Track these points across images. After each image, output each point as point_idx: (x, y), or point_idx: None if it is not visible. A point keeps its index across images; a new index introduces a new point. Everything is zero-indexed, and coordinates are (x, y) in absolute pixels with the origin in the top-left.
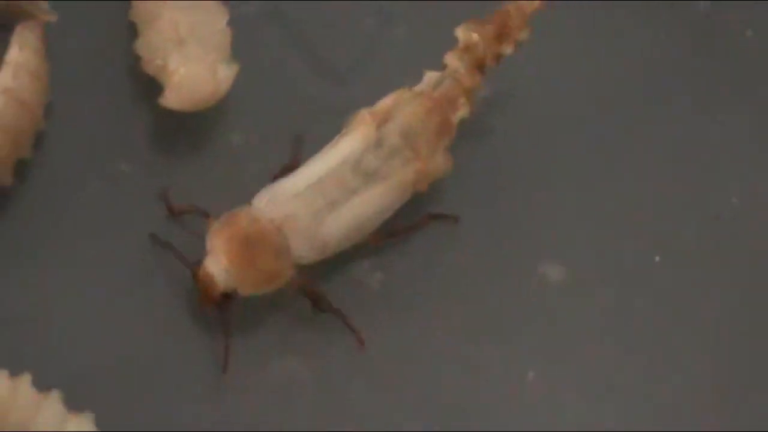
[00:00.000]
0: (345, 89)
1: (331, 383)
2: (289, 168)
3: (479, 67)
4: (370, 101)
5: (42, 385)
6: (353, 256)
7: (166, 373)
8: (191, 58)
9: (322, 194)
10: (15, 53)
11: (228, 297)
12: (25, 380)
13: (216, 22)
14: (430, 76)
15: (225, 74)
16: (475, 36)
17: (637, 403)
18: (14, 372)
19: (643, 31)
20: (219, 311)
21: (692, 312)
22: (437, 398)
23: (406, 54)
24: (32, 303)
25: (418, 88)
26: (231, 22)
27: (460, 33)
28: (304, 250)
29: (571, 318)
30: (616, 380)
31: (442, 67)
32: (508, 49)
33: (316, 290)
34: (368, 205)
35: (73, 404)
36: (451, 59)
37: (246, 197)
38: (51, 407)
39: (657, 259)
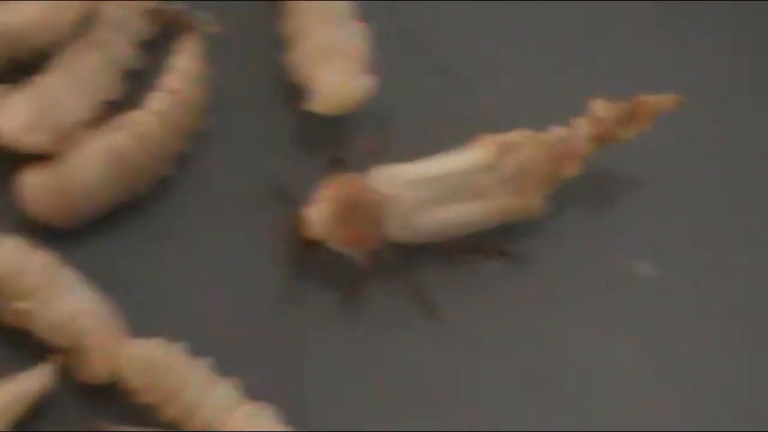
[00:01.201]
0: (470, 102)
1: (444, 366)
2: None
3: (600, 139)
4: (494, 116)
5: (194, 352)
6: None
7: (301, 346)
8: (335, 69)
9: (431, 189)
10: (179, 60)
11: (316, 244)
12: (180, 347)
13: (357, 38)
14: (557, 131)
15: (364, 83)
16: (606, 113)
17: (730, 396)
18: (170, 340)
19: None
20: (302, 255)
21: None
22: (535, 382)
23: (523, 75)
24: (185, 279)
25: (544, 135)
26: (371, 38)
27: (595, 106)
28: (395, 229)
29: (662, 313)
30: (705, 372)
31: (570, 126)
32: (628, 135)
33: (399, 267)
34: (464, 214)
35: (221, 370)
36: (580, 124)
37: None
38: (201, 372)
39: (746, 259)
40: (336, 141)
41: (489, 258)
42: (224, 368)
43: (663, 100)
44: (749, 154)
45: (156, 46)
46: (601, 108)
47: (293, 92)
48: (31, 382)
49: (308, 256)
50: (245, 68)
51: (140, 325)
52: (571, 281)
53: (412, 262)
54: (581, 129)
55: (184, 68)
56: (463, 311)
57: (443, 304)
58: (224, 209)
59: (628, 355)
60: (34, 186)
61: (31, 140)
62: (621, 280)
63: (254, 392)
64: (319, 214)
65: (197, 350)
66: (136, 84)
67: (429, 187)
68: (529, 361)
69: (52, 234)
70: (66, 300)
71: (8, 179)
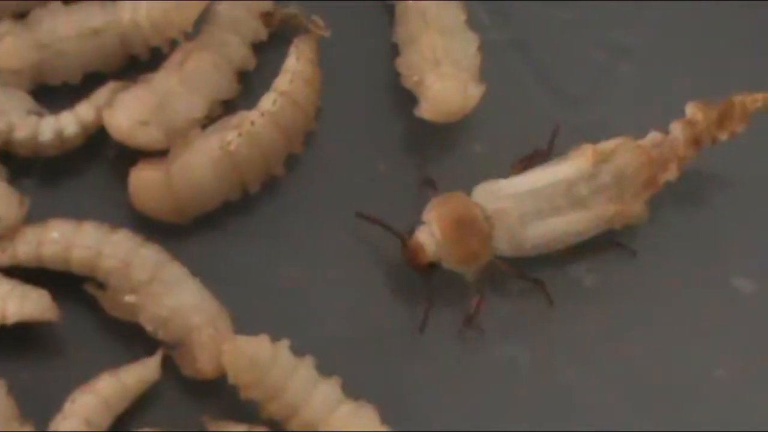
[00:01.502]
0: (575, 112)
1: (549, 369)
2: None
3: (696, 142)
4: (596, 125)
5: (298, 350)
6: (573, 257)
7: (402, 347)
8: (445, 77)
9: (533, 202)
10: (292, 62)
11: (433, 267)
12: (284, 345)
13: (468, 47)
14: (654, 136)
15: (473, 92)
16: (700, 115)
17: None
18: (275, 337)
19: None
20: (423, 279)
21: None
22: (638, 383)
23: (631, 87)
24: (292, 278)
25: (641, 141)
26: (481, 48)
27: (688, 109)
28: (503, 243)
29: (759, 326)
30: None
31: (666, 130)
32: (724, 136)
33: (513, 268)
34: (568, 225)
35: (324, 369)
36: (675, 128)
37: None
38: (305, 370)
39: None
40: (444, 149)
41: (605, 251)
42: (327, 367)
43: (757, 98)
44: None
45: (271, 48)
46: (695, 110)
47: (404, 98)
48: (136, 375)
49: (427, 279)
50: (357, 72)
51: (246, 322)
52: (668, 292)
53: (519, 273)
54: (677, 133)
55: (297, 70)
56: (553, 321)
57: (535, 314)
58: (332, 210)
59: (724, 369)
60: (145, 181)
61: (145, 136)
62: (720, 293)
63: (356, 391)
64: (430, 236)
65: (301, 348)
66: (250, 84)
67: (531, 199)
68: (625, 371)
69: (162, 229)
70: (174, 295)
71: (122, 174)
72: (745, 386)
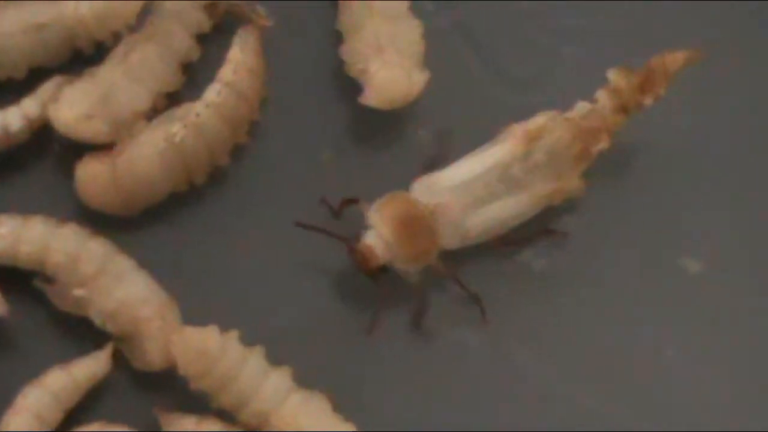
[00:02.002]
0: (522, 96)
1: (499, 352)
2: (435, 159)
3: (623, 109)
4: (542, 108)
5: (247, 340)
6: (520, 242)
7: (352, 335)
8: (389, 64)
9: (470, 192)
10: (236, 52)
11: (384, 270)
12: (233, 335)
13: (411, 33)
14: (582, 107)
15: (418, 78)
16: (623, 82)
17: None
18: (224, 328)
19: None
20: (374, 282)
21: None
22: (589, 365)
23: (575, 69)
24: (239, 268)
25: (569, 114)
26: (424, 34)
27: (611, 76)
28: (448, 236)
29: (707, 306)
30: (748, 368)
31: (593, 100)
32: (649, 100)
33: (453, 271)
34: (507, 209)
35: (274, 358)
36: (601, 96)
37: None
38: (255, 360)
39: None
40: (389, 136)
41: (535, 240)
42: (278, 357)
43: (677, 58)
44: None
45: (215, 39)
46: (617, 77)
47: (349, 86)
48: (87, 368)
49: (379, 281)
50: (301, 61)
51: (194, 314)
52: (616, 274)
53: (458, 264)
54: (604, 101)
55: (240, 61)
56: (504, 305)
57: (485, 299)
58: (278, 201)
59: (674, 348)
60: (92, 175)
61: (90, 130)
62: (666, 274)
63: (307, 380)
64: (379, 239)
65: (251, 338)
66: (194, 76)
67: (469, 189)
68: (575, 353)
69: (109, 222)
70: (122, 287)
71: (68, 168)
72: (696, 365)
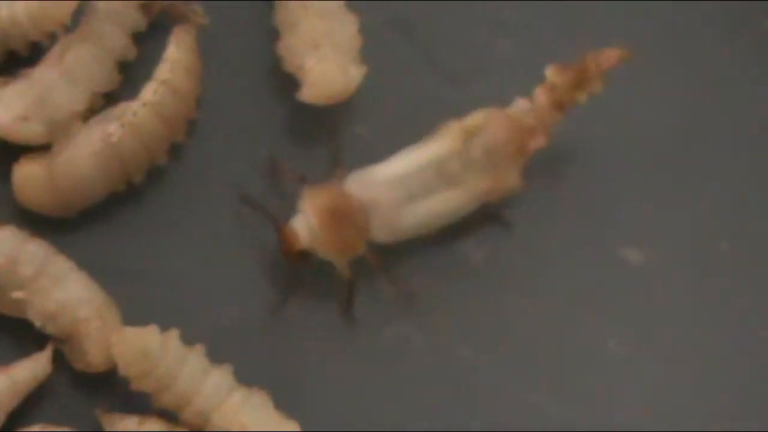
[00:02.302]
0: (459, 90)
1: (442, 347)
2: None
3: (559, 105)
4: (480, 102)
5: (187, 339)
6: (459, 235)
7: (292, 331)
8: (325, 59)
9: (405, 187)
10: (172, 51)
11: (306, 255)
12: (174, 334)
13: (348, 29)
14: (520, 104)
15: (355, 74)
16: (558, 79)
17: (718, 385)
18: (164, 327)
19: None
20: (294, 266)
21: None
22: (530, 358)
23: (513, 63)
24: (179, 267)
25: (508, 110)
26: (361, 29)
27: (547, 72)
28: (379, 231)
29: (648, 297)
30: (691, 349)
31: (530, 97)
32: (581, 97)
33: (381, 265)
34: (444, 204)
35: (215, 357)
36: (539, 93)
37: None
38: (195, 359)
39: (727, 244)
40: (326, 130)
41: (477, 227)
42: (218, 355)
43: (610, 56)
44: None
45: (150, 38)
46: (553, 74)
47: (286, 82)
48: (27, 370)
49: (300, 267)
50: (238, 59)
51: (134, 314)
52: (557, 266)
53: (392, 258)
54: (541, 98)
55: (177, 59)
56: (445, 299)
57: (425, 293)
58: (217, 199)
59: (616, 339)
60: (28, 176)
61: (26, 131)
62: (608, 264)
63: (248, 377)
64: (305, 225)
65: (191, 337)
66: (130, 75)
67: (404, 184)
68: (518, 345)
69: (47, 224)
70: (61, 289)
71: (4, 170)
72: (638, 356)
